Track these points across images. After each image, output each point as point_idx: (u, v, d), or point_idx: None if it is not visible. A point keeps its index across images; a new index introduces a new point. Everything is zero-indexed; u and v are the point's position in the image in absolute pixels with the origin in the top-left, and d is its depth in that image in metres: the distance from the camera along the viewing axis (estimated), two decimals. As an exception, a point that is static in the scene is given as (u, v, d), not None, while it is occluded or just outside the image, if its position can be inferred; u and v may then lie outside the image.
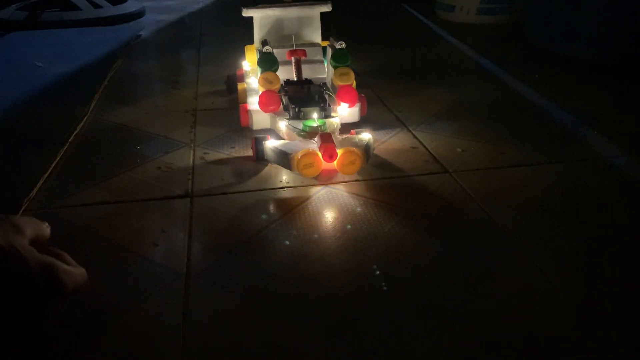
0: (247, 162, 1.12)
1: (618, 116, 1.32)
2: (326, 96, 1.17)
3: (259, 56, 1.23)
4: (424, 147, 1.17)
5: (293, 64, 1.25)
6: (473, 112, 1.38)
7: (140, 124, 1.34)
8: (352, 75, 1.20)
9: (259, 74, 1.20)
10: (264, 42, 1.27)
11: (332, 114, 1.13)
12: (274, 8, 1.33)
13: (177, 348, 0.66)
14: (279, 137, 1.14)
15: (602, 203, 0.96)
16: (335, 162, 1.00)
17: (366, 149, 1.02)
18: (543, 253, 0.82)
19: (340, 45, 1.23)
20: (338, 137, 1.05)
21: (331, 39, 1.29)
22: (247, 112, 1.22)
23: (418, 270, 0.79)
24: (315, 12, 1.35)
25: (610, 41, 1.71)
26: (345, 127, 1.16)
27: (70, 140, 1.24)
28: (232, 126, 1.28)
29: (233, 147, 1.18)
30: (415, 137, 1.22)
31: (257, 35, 1.37)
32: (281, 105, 1.18)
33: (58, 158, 1.16)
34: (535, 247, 0.83)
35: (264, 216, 0.93)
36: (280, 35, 1.35)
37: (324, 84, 1.24)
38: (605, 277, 0.77)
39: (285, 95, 1.18)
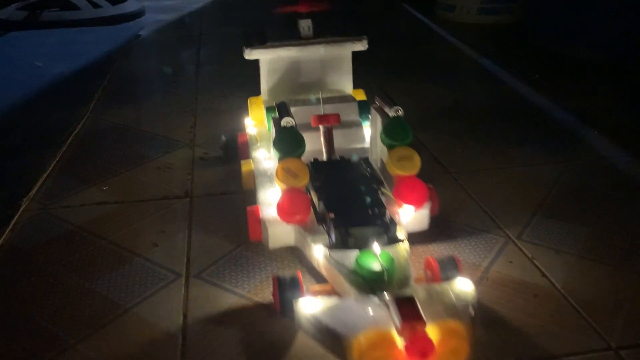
0: (247, 162, 1.12)
1: (618, 116, 1.32)
2: (382, 196, 0.77)
3: (275, 133, 0.83)
4: (424, 147, 1.17)
5: (322, 135, 0.88)
6: (473, 112, 1.38)
7: (140, 124, 1.33)
8: (417, 159, 0.81)
9: (274, 157, 0.83)
10: (282, 107, 0.85)
11: (397, 231, 0.72)
12: (288, 47, 0.99)
13: (177, 348, 0.66)
14: (309, 263, 0.78)
15: (602, 203, 0.95)
16: None
17: (473, 318, 0.61)
18: (543, 253, 0.82)
19: (397, 112, 0.84)
20: (417, 290, 0.63)
21: (377, 99, 0.90)
22: (260, 221, 0.80)
23: (418, 270, 0.78)
24: (345, 52, 1.02)
25: (610, 41, 1.71)
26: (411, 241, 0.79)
27: (70, 140, 1.24)
28: (232, 126, 1.28)
29: (233, 147, 1.18)
30: (415, 137, 1.22)
31: (266, 84, 1.03)
32: (312, 212, 0.78)
33: (58, 158, 1.16)
34: (535, 247, 0.83)
35: (264, 216, 0.93)
36: (296, 83, 1.02)
37: (367, 162, 0.84)
38: (605, 277, 0.77)
39: (318, 196, 0.77)
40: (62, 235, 0.89)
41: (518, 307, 0.71)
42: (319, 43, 0.99)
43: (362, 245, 0.68)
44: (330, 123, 0.87)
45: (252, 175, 0.92)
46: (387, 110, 0.85)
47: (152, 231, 0.90)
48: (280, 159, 0.78)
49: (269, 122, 0.94)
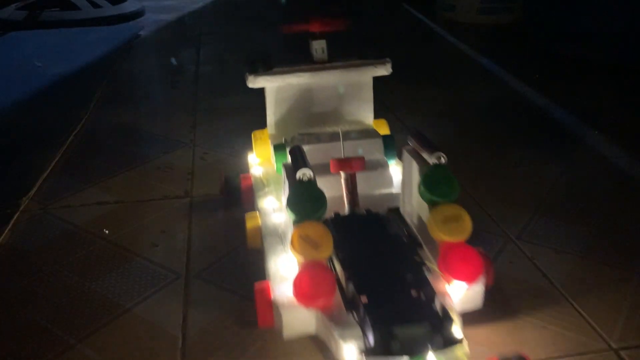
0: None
1: (618, 116, 1.32)
2: (427, 273, 0.62)
3: (288, 189, 0.68)
4: (424, 147, 1.17)
5: (343, 183, 0.73)
6: (473, 112, 1.38)
7: (140, 124, 1.33)
8: (468, 220, 0.65)
9: (289, 218, 0.67)
10: (296, 153, 0.70)
11: (453, 326, 0.55)
12: (298, 73, 0.86)
13: (177, 348, 0.66)
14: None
15: (602, 203, 0.95)
16: None
17: None
18: (543, 253, 0.82)
19: (439, 159, 0.68)
20: None
21: (412, 140, 0.75)
22: (271, 304, 0.65)
23: None
24: (365, 78, 0.89)
25: (610, 41, 1.71)
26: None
27: (70, 140, 1.24)
28: (232, 126, 1.28)
29: (233, 148, 1.18)
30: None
31: (273, 115, 0.90)
32: (337, 290, 0.62)
33: (58, 158, 1.15)
34: (535, 247, 0.83)
35: (264, 216, 0.93)
36: (309, 115, 0.90)
37: (400, 217, 0.72)
38: (605, 277, 0.77)
39: (345, 274, 0.61)
40: (62, 235, 0.89)
41: (518, 307, 0.71)
42: (333, 68, 0.86)
43: (411, 351, 0.52)
44: (354, 170, 0.72)
45: (259, 232, 0.77)
46: (425, 155, 0.69)
47: (152, 231, 0.90)
48: (296, 223, 0.62)
49: (278, 163, 0.83)
